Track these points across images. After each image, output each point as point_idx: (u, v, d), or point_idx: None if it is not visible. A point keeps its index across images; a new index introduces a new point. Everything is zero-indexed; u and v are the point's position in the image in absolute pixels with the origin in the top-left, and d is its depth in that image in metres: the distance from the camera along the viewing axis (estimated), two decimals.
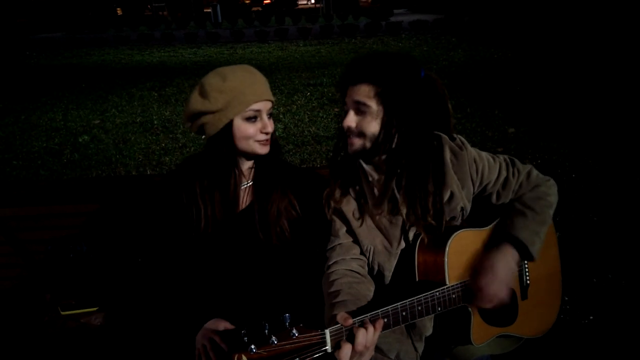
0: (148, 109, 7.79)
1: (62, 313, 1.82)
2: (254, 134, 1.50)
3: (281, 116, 6.76)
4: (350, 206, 1.48)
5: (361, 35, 17.50)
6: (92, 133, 6.61)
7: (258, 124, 1.50)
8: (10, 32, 26.19)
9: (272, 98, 1.53)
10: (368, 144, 1.39)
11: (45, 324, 1.80)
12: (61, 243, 1.93)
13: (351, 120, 1.39)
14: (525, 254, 1.44)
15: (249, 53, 14.53)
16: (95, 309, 1.83)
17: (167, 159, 5.37)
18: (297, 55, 13.20)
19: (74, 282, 1.87)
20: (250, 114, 1.48)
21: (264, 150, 1.53)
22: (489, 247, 1.48)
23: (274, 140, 1.58)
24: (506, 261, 1.40)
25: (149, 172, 5.01)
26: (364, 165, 1.46)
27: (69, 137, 6.48)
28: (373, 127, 1.37)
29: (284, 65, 11.57)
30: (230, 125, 1.48)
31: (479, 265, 1.40)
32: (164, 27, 25.81)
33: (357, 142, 1.40)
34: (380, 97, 1.35)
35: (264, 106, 1.50)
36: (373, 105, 1.36)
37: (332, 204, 1.49)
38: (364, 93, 1.36)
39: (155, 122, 6.97)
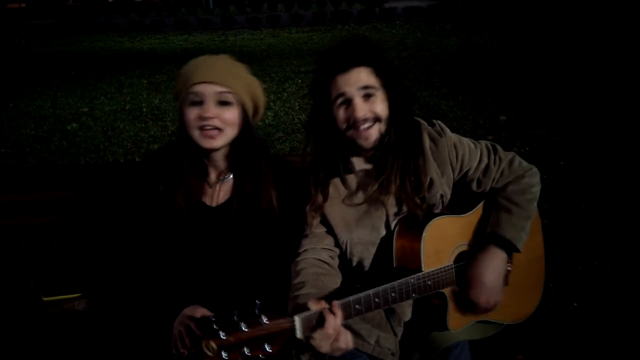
0: (137, 97, 7.71)
1: (44, 299, 1.81)
2: (193, 119, 1.40)
3: (272, 104, 6.72)
4: (331, 202, 1.47)
5: (354, 22, 17.34)
6: (80, 121, 6.54)
7: (199, 109, 1.40)
8: (1, 18, 25.76)
9: (222, 83, 1.40)
10: (384, 129, 1.38)
11: (28, 310, 1.79)
12: (44, 230, 1.92)
13: (363, 108, 1.34)
14: (511, 250, 1.45)
15: (241, 40, 14.37)
16: (77, 294, 1.83)
17: (156, 146, 5.33)
18: (289, 42, 13.08)
19: (57, 269, 1.86)
20: (192, 97, 1.40)
21: (205, 142, 1.41)
22: (473, 234, 1.48)
23: (248, 136, 1.48)
24: (494, 266, 1.41)
25: (137, 160, 4.98)
26: (351, 157, 1.44)
27: (58, 125, 6.42)
28: (384, 108, 1.37)
29: (276, 52, 11.46)
30: (181, 111, 1.45)
31: (468, 274, 1.41)
32: (154, 13, 25.45)
33: (375, 131, 1.36)
34: (379, 77, 1.36)
35: (206, 90, 1.39)
36: (378, 86, 1.36)
37: (317, 213, 1.45)
38: (366, 76, 1.34)
39: (145, 109, 6.90)
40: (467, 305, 1.45)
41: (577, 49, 9.61)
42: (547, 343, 2.26)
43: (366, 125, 1.35)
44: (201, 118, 1.39)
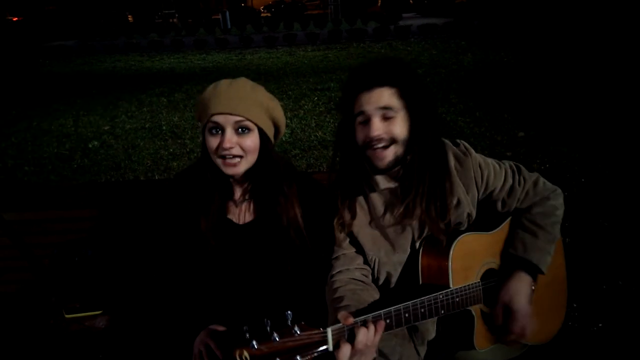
0: (157, 115, 7.85)
1: (66, 316, 1.83)
2: (213, 147, 1.43)
3: (288, 121, 6.77)
4: (358, 221, 1.46)
5: (370, 40, 17.49)
6: (102, 139, 6.68)
7: (220, 138, 1.43)
8: (24, 40, 26.63)
9: (241, 113, 1.41)
10: (400, 151, 1.36)
11: (50, 327, 1.81)
12: (67, 247, 1.95)
13: (379, 128, 1.33)
14: (537, 273, 1.45)
15: (257, 59, 14.59)
16: (99, 312, 1.84)
17: (175, 164, 5.40)
18: (305, 61, 13.23)
19: (79, 286, 1.88)
20: (211, 125, 1.43)
21: (227, 170, 1.44)
22: (500, 252, 1.48)
23: (269, 158, 1.49)
24: (524, 292, 1.42)
25: (157, 177, 5.04)
26: (375, 175, 1.44)
27: (80, 143, 6.56)
28: (402, 130, 1.35)
29: (292, 70, 11.60)
30: (204, 136, 1.47)
31: (500, 302, 1.42)
32: (173, 34, 26.05)
33: (390, 152, 1.35)
34: (403, 99, 1.35)
35: (226, 120, 1.41)
36: (399, 108, 1.34)
37: (344, 232, 1.45)
38: (387, 97, 1.33)
39: (164, 127, 7.02)
40: (495, 325, 1.44)
41: (595, 65, 9.53)
42: None
43: (381, 145, 1.34)
44: (222, 148, 1.42)
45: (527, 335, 1.42)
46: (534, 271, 1.45)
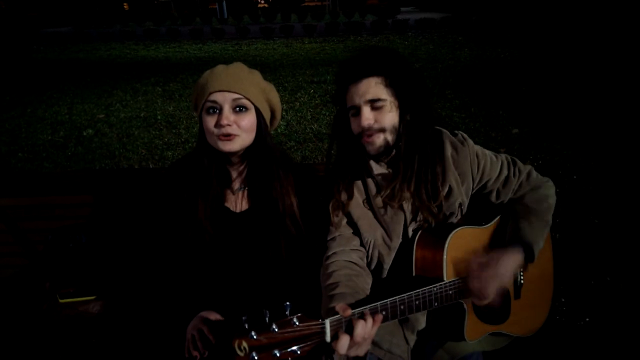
0: (152, 104, 7.81)
1: (61, 301, 1.84)
2: (211, 127, 1.44)
3: (284, 113, 6.76)
4: (354, 202, 1.48)
5: (367, 33, 17.46)
6: (96, 127, 6.64)
7: (217, 117, 1.44)
8: (20, 26, 26.39)
9: (238, 90, 1.43)
10: (390, 138, 1.39)
11: (44, 312, 1.82)
12: (61, 233, 1.95)
13: (369, 117, 1.37)
14: (528, 256, 1.45)
15: (254, 50, 14.52)
16: (93, 297, 1.86)
17: (170, 153, 5.39)
18: (301, 53, 13.19)
19: (73, 271, 1.89)
20: (208, 104, 1.44)
21: (223, 146, 1.44)
22: (494, 245, 1.49)
23: (264, 142, 1.51)
24: (511, 262, 1.40)
25: (151, 167, 5.03)
26: (370, 161, 1.46)
27: (74, 131, 6.52)
28: (392, 118, 1.38)
29: (288, 62, 11.57)
30: (201, 120, 1.48)
31: (483, 259, 1.38)
32: (169, 22, 25.88)
33: (379, 139, 1.38)
34: (391, 87, 1.37)
35: (224, 98, 1.43)
36: (387, 97, 1.37)
37: (340, 213, 1.46)
38: (374, 87, 1.36)
39: (159, 117, 6.99)
40: (482, 314, 1.46)
41: (590, 62, 9.57)
42: (558, 358, 2.24)
43: (370, 132, 1.38)
44: (219, 125, 1.43)
45: (485, 298, 1.35)
46: (527, 252, 1.43)
